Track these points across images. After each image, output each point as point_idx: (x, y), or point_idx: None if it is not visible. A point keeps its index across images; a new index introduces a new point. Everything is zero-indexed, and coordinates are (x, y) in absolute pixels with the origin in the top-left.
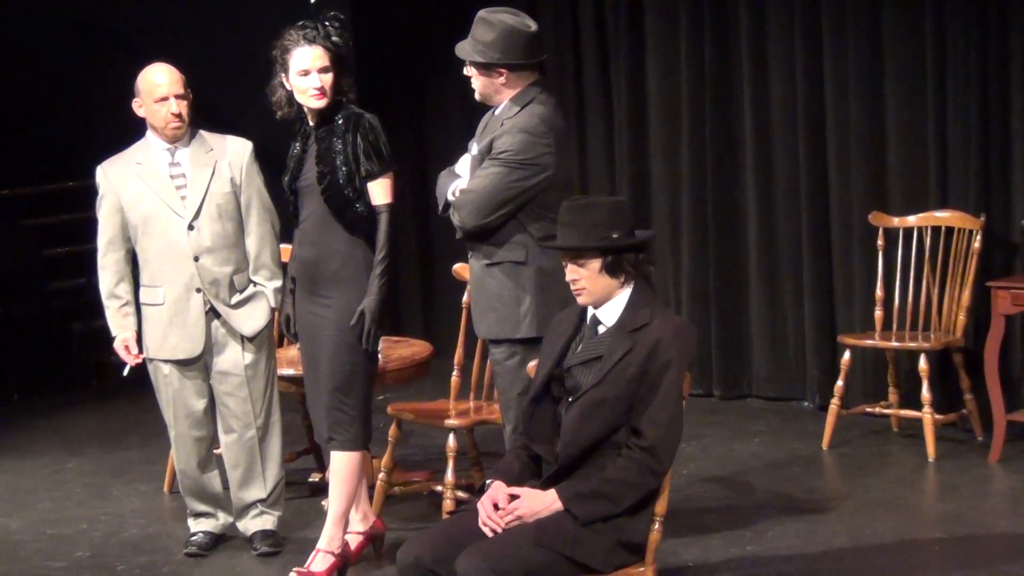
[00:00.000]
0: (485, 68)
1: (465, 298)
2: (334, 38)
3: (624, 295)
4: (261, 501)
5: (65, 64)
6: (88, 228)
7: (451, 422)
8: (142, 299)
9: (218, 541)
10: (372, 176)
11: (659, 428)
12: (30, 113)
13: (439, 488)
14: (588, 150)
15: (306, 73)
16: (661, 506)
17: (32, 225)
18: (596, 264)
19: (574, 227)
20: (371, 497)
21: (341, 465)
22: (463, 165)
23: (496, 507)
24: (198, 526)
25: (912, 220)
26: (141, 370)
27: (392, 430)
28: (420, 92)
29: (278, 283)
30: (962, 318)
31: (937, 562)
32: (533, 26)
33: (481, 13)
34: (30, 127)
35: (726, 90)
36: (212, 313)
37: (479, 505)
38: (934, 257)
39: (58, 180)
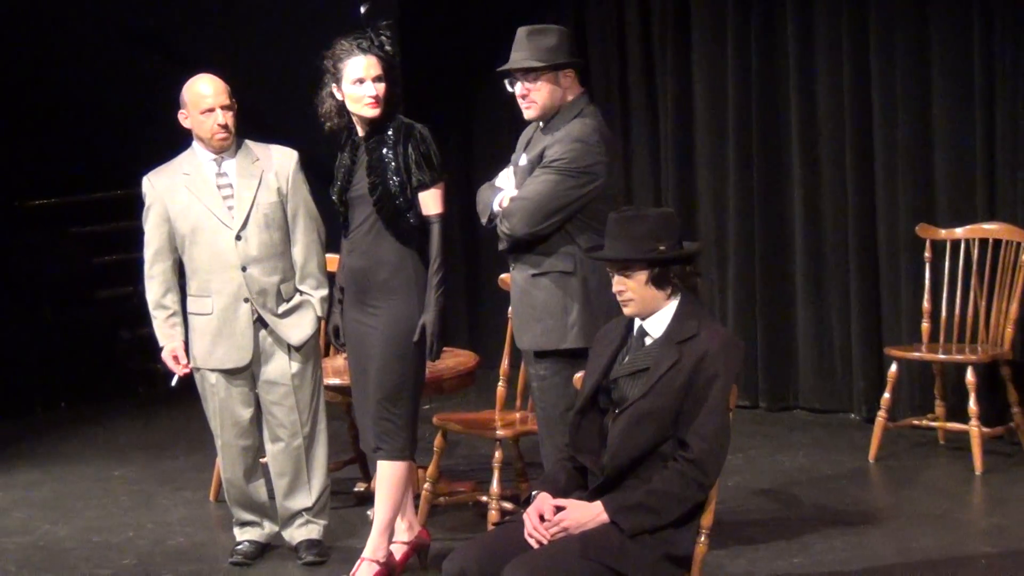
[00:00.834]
0: (554, 73)
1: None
2: (387, 47)
3: (671, 307)
4: (307, 510)
5: (114, 73)
6: (136, 236)
7: (499, 433)
8: (190, 309)
9: (264, 550)
10: (424, 186)
11: (705, 440)
12: (79, 122)
13: (484, 499)
14: (634, 161)
15: (361, 82)
16: (707, 518)
17: (81, 233)
18: (643, 276)
19: (622, 238)
20: (416, 507)
21: (387, 474)
22: (504, 178)
23: (542, 518)
24: (244, 535)
25: (959, 232)
26: (188, 379)
27: (438, 440)
28: (467, 102)
29: (324, 292)
30: (1010, 331)
31: None
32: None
33: (527, 29)
34: (79, 136)
35: (772, 102)
36: (260, 323)
37: (525, 516)
38: (981, 269)
39: (107, 188)
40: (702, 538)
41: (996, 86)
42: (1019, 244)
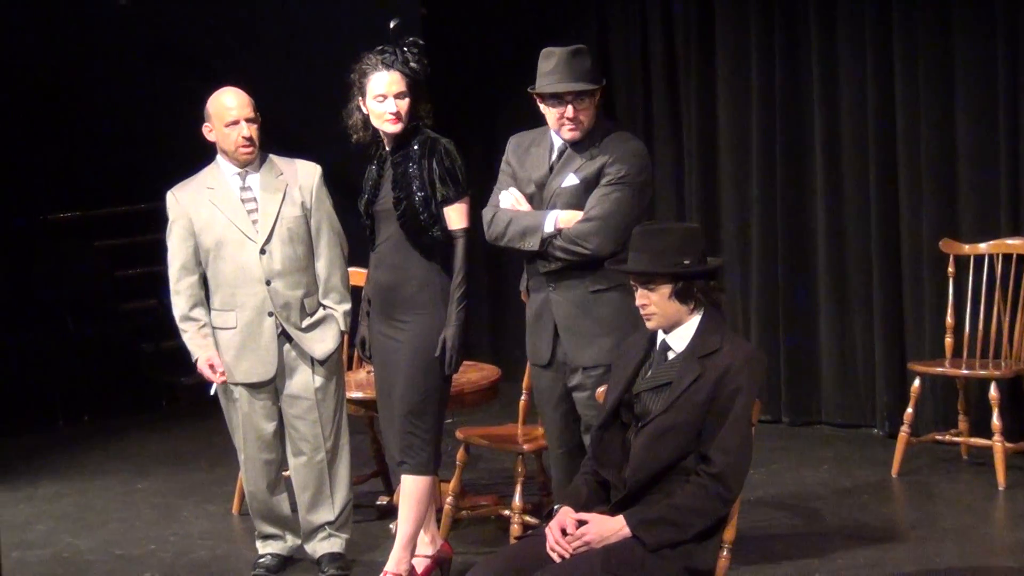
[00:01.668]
0: (597, 94)
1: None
2: (412, 64)
3: (694, 321)
4: (329, 524)
5: (138, 87)
6: (159, 249)
7: (526, 447)
8: (214, 323)
9: (286, 563)
10: (448, 201)
11: (728, 455)
12: (103, 136)
13: (507, 512)
14: (658, 175)
15: (383, 98)
16: (729, 533)
17: (105, 246)
18: (666, 289)
19: (645, 252)
20: (439, 521)
21: (411, 488)
22: (510, 199)
23: (564, 532)
24: (266, 548)
25: (983, 247)
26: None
27: (460, 454)
28: (491, 116)
29: (348, 306)
30: None
31: None
32: None
33: (566, 51)
34: (103, 150)
35: (796, 116)
36: (283, 336)
37: (547, 530)
38: (1005, 285)
39: (130, 202)
40: (724, 552)
41: (1020, 101)
42: None
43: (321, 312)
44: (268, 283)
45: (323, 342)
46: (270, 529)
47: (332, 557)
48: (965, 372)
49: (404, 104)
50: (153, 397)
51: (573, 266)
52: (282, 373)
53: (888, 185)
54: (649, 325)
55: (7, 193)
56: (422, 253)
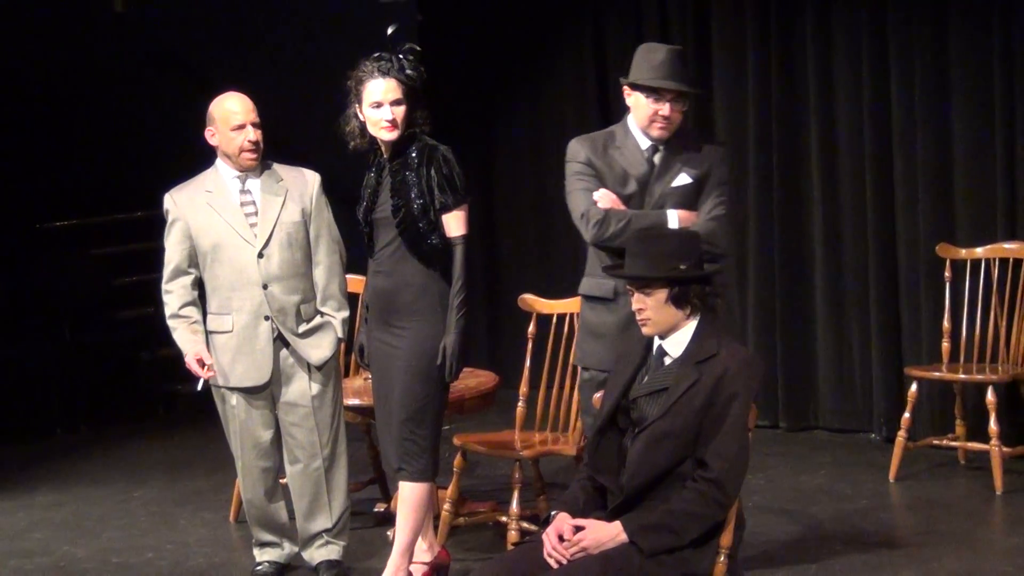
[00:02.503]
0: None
1: (531, 328)
2: (408, 71)
3: (690, 327)
4: (327, 531)
5: (135, 96)
6: (156, 257)
7: (523, 453)
8: (209, 326)
9: (283, 571)
10: (447, 208)
11: (725, 460)
12: (100, 144)
13: (504, 519)
14: None
15: (378, 105)
16: (726, 538)
17: (101, 254)
18: (662, 295)
19: (642, 256)
20: (436, 527)
21: (409, 495)
22: (605, 199)
23: (561, 538)
24: (264, 555)
25: (980, 252)
26: (209, 400)
27: (458, 460)
28: (488, 123)
29: (345, 314)
30: None
31: None
32: None
33: (675, 50)
34: (100, 157)
35: (793, 121)
36: (280, 341)
37: (544, 536)
38: (1002, 289)
39: (127, 210)
40: (721, 558)
41: (1016, 106)
42: None
43: (319, 319)
44: (265, 287)
45: (320, 348)
46: (267, 536)
47: (330, 564)
48: (962, 376)
49: (400, 111)
50: (150, 405)
51: None
52: (279, 380)
53: (884, 190)
54: (645, 331)
55: (3, 201)
56: (420, 260)
